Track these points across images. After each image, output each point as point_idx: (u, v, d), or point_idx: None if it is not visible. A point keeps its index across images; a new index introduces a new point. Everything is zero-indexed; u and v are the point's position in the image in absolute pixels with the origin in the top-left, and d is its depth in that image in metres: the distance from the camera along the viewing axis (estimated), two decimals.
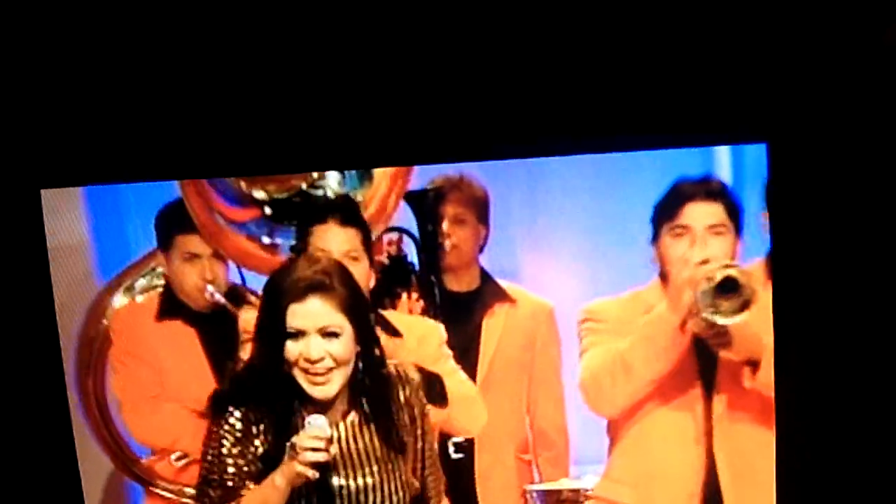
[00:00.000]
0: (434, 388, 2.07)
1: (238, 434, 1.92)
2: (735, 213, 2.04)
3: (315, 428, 1.89)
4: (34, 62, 2.07)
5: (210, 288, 2.15)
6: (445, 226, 2.12)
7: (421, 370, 2.04)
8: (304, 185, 2.11)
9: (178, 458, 2.19)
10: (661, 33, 1.99)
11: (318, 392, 1.91)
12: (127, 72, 2.07)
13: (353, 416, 1.95)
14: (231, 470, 1.91)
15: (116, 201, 2.15)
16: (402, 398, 1.97)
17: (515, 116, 2.03)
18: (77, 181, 2.12)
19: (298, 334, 1.89)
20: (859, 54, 1.96)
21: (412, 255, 2.14)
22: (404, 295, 2.12)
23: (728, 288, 2.01)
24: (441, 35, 2.02)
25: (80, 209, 2.14)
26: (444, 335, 2.12)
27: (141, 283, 2.21)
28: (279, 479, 1.89)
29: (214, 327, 2.16)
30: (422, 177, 2.11)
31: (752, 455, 2.08)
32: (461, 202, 2.11)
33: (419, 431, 1.98)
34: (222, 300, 2.15)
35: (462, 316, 2.14)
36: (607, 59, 2.01)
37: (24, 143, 2.10)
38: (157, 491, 2.22)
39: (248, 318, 2.11)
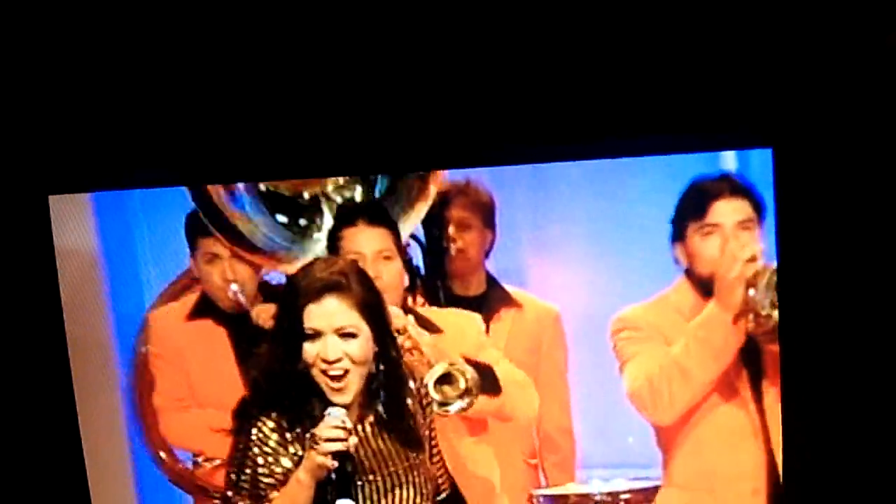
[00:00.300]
0: (487, 379, 2.08)
1: (272, 442, 1.93)
2: (759, 207, 2.04)
3: (334, 418, 1.90)
4: (42, 68, 2.08)
5: (234, 287, 2.16)
6: (451, 230, 2.12)
7: (469, 361, 2.07)
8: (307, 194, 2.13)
9: (206, 461, 2.20)
10: (666, 39, 1.99)
11: (336, 398, 1.92)
12: (135, 78, 2.08)
13: (371, 418, 1.96)
14: (267, 480, 1.93)
15: (124, 207, 2.16)
16: (412, 389, 1.99)
17: (520, 122, 2.03)
18: (85, 187, 2.12)
19: (315, 335, 1.90)
20: (864, 58, 1.95)
21: (417, 260, 2.14)
22: (409, 299, 2.12)
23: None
24: (447, 41, 2.02)
25: (88, 215, 2.15)
26: (482, 325, 2.13)
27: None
28: (302, 475, 1.90)
29: (243, 327, 2.16)
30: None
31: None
32: (467, 207, 2.11)
33: (428, 420, 2.00)
34: (243, 300, 2.16)
35: None
36: (613, 64, 2.01)
37: (32, 149, 2.10)
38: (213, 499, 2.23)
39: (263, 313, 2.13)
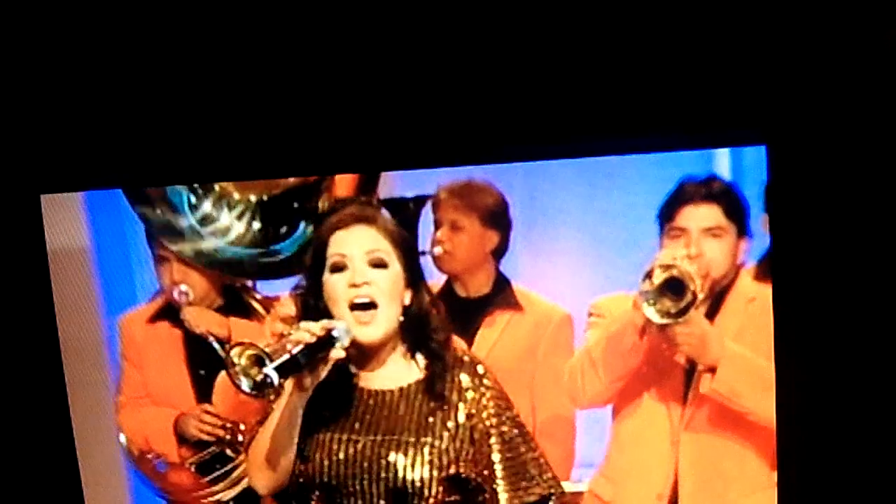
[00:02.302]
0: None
1: None
2: (737, 215, 2.01)
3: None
4: (34, 66, 2.07)
5: (183, 287, 2.15)
6: (440, 233, 2.09)
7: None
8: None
9: (155, 458, 2.21)
10: (660, 36, 1.97)
11: (363, 334, 1.86)
12: (128, 76, 2.06)
13: (406, 357, 1.92)
14: None
15: (117, 206, 2.14)
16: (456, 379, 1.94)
17: (513, 120, 2.02)
18: (77, 186, 2.11)
19: (342, 266, 1.87)
20: (860, 56, 1.94)
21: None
22: None
23: (672, 288, 1.98)
24: (440, 38, 2.01)
25: (81, 214, 2.14)
26: None
27: None
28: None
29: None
30: (431, 182, 2.10)
31: (712, 464, 2.07)
32: (459, 208, 2.08)
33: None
34: (184, 301, 2.16)
35: (462, 322, 2.11)
36: (605, 62, 1.99)
37: (24, 148, 2.10)
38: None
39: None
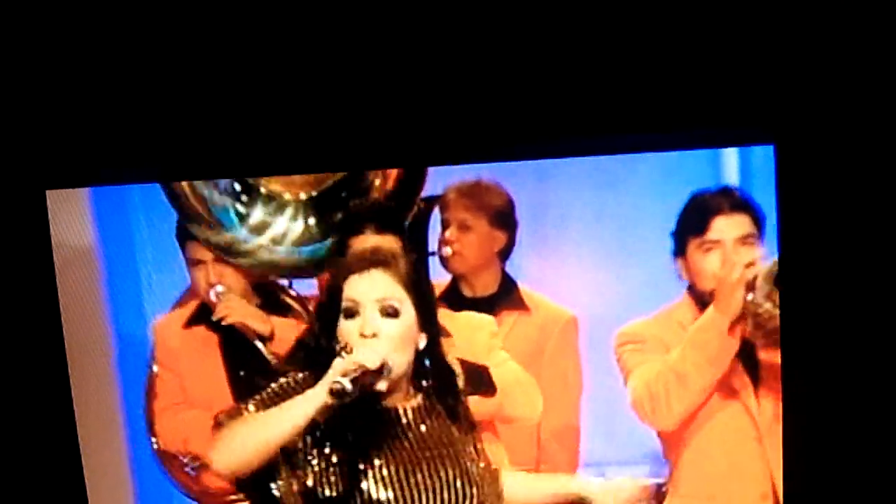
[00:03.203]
0: (480, 379, 2.04)
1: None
2: (759, 222, 2.02)
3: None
4: (39, 62, 2.06)
5: (219, 288, 2.14)
6: (448, 233, 2.09)
7: (463, 363, 2.01)
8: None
9: (191, 461, 2.19)
10: (667, 35, 1.97)
11: (361, 355, 1.82)
12: (134, 72, 2.06)
13: (418, 399, 1.91)
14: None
15: (123, 202, 2.14)
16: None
17: (520, 119, 2.01)
18: (83, 182, 2.11)
19: (355, 311, 1.85)
20: (869, 55, 1.93)
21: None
22: None
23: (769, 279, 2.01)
24: (447, 36, 2.00)
25: (87, 210, 2.13)
26: (495, 328, 2.10)
27: None
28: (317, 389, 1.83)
29: (233, 331, 2.16)
30: (438, 181, 2.09)
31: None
32: (468, 208, 2.08)
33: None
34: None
35: None
36: (612, 60, 1.99)
37: (30, 143, 2.09)
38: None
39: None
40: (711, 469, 2.09)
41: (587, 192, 2.06)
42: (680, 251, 2.05)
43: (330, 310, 1.88)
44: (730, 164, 2.06)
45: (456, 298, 2.11)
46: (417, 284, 1.89)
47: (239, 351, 2.15)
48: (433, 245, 2.11)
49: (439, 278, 2.10)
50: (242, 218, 2.12)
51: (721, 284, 2.03)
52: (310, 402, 1.83)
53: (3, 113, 2.08)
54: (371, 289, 1.85)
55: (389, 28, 2.01)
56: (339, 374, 1.79)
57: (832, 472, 2.06)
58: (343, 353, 1.82)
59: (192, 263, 2.15)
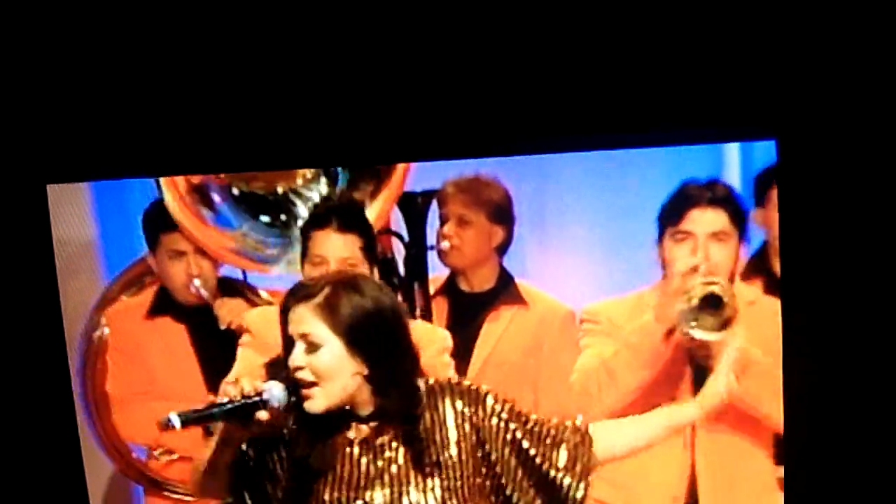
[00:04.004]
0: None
1: None
2: (740, 219, 2.02)
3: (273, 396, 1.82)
4: (40, 57, 2.07)
5: (196, 282, 2.16)
6: (447, 228, 2.10)
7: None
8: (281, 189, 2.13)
9: (163, 454, 2.21)
10: (669, 30, 1.97)
11: (308, 405, 1.82)
12: (133, 67, 2.06)
13: (382, 438, 1.87)
14: None
15: (123, 196, 2.15)
16: (441, 411, 1.88)
17: (521, 114, 2.01)
18: (83, 177, 2.11)
19: (291, 346, 1.84)
20: (870, 52, 1.93)
21: (399, 262, 2.13)
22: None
23: (711, 304, 1.99)
24: (446, 32, 2.00)
25: (87, 205, 2.14)
26: (449, 343, 2.08)
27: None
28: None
29: (203, 323, 2.17)
30: (435, 176, 2.10)
31: (730, 465, 2.07)
32: (467, 203, 2.08)
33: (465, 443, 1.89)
34: (206, 295, 2.16)
35: (466, 317, 2.12)
36: (615, 56, 1.99)
37: (31, 138, 2.09)
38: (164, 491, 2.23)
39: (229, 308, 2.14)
40: (635, 461, 2.04)
41: (587, 187, 2.07)
42: (660, 238, 2.05)
43: (285, 347, 1.87)
44: (730, 161, 2.06)
45: (454, 293, 2.12)
46: (341, 316, 1.82)
47: (210, 340, 2.16)
48: (431, 239, 2.12)
49: (437, 273, 2.11)
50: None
51: (662, 290, 2.03)
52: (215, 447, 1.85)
53: (3, 109, 2.09)
54: (297, 323, 1.83)
55: (387, 24, 2.01)
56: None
57: (832, 475, 2.07)
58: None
59: (171, 255, 2.16)
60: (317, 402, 1.82)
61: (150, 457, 2.22)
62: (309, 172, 2.12)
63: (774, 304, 2.02)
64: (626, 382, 2.06)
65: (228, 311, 2.17)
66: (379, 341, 1.83)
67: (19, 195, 2.10)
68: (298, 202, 2.14)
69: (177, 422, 1.78)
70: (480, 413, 1.87)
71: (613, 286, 2.09)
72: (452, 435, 1.86)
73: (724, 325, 1.99)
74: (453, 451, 1.86)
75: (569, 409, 2.03)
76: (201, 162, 2.11)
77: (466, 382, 1.91)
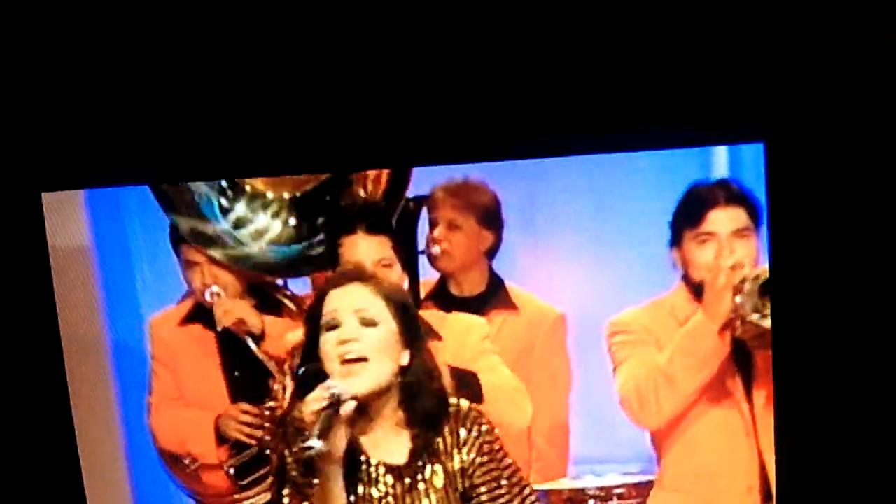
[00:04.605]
0: (469, 386, 2.04)
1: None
2: (756, 214, 2.03)
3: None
4: (35, 65, 2.07)
5: (214, 288, 2.16)
6: (437, 232, 2.10)
7: (452, 369, 2.01)
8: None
9: (191, 461, 2.21)
10: (657, 33, 1.97)
11: (352, 385, 1.82)
12: (128, 74, 2.06)
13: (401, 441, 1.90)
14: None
15: (118, 204, 2.16)
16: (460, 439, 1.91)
17: (511, 118, 2.02)
18: (78, 184, 2.12)
19: (336, 325, 1.85)
20: (858, 53, 1.93)
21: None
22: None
23: (765, 291, 2.01)
24: (440, 35, 2.00)
25: (82, 212, 2.15)
26: (486, 329, 2.10)
27: None
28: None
29: (230, 331, 2.18)
30: (425, 181, 2.10)
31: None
32: (457, 207, 2.09)
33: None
34: (217, 302, 2.17)
35: None
36: (603, 59, 1.99)
37: (25, 146, 2.09)
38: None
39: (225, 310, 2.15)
40: (698, 463, 2.10)
41: (576, 191, 2.07)
42: (676, 241, 2.06)
43: (312, 327, 1.89)
44: (720, 163, 2.07)
45: (444, 297, 2.13)
46: (398, 297, 1.89)
47: (235, 351, 2.18)
48: (421, 244, 2.12)
49: (428, 277, 2.12)
50: (226, 213, 2.15)
51: (709, 289, 2.04)
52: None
53: None
54: (349, 300, 1.86)
55: (378, 29, 2.01)
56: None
57: (824, 468, 2.07)
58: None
59: (187, 265, 2.18)
60: (362, 379, 1.84)
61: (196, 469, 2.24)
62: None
63: None
64: (686, 386, 2.06)
65: (225, 313, 2.17)
66: (421, 332, 1.88)
67: (14, 203, 2.10)
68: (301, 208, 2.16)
69: (317, 444, 1.82)
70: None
71: (603, 289, 2.09)
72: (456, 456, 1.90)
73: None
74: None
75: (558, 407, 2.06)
76: (196, 169, 2.11)
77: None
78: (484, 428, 1.92)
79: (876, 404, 2.04)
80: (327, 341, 1.86)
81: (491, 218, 2.09)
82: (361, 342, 1.84)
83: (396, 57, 2.02)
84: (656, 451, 2.12)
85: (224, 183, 2.14)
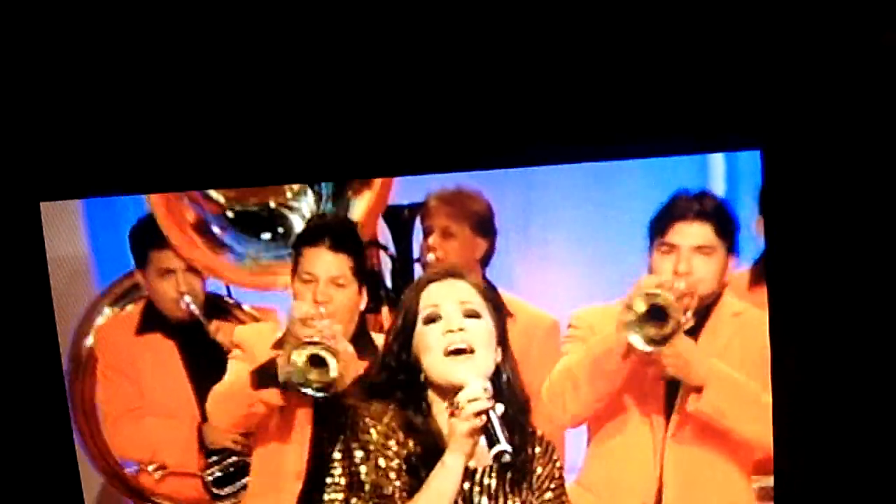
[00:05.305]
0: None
1: (391, 443, 1.80)
2: (727, 232, 2.02)
3: (473, 386, 1.76)
4: (33, 74, 2.08)
5: (187, 298, 2.17)
6: (431, 240, 2.11)
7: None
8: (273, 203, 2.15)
9: (156, 469, 2.21)
10: (654, 41, 1.98)
11: (464, 370, 1.77)
12: (126, 84, 2.08)
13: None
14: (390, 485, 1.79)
15: (115, 213, 2.16)
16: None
17: (506, 126, 2.03)
18: (76, 194, 2.13)
19: (437, 318, 1.82)
20: (854, 59, 1.94)
21: (386, 276, 2.14)
22: (384, 309, 2.12)
23: (655, 315, 1.98)
24: (434, 44, 2.02)
25: (80, 222, 2.16)
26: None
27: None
28: (449, 458, 1.75)
29: (193, 339, 2.18)
30: (420, 189, 2.11)
31: (695, 476, 2.07)
32: (451, 215, 2.10)
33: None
34: (197, 311, 2.18)
35: None
36: (601, 67, 2.00)
37: (24, 155, 2.11)
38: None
39: (223, 328, 2.15)
40: (610, 468, 2.10)
41: (572, 199, 2.08)
42: (649, 249, 2.06)
43: (407, 321, 1.86)
44: (717, 172, 2.07)
45: None
46: (493, 295, 1.88)
47: (200, 356, 2.17)
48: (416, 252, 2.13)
49: None
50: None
51: (624, 305, 2.02)
52: (451, 479, 1.78)
53: None
54: (451, 293, 1.84)
55: (374, 39, 2.03)
56: (465, 435, 1.74)
57: (822, 479, 2.07)
58: (455, 413, 1.76)
59: (161, 272, 2.17)
60: (477, 366, 1.79)
61: (141, 471, 2.22)
62: (296, 186, 2.14)
63: (761, 316, 2.02)
64: (585, 392, 2.05)
65: (223, 335, 2.19)
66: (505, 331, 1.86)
67: (13, 212, 2.11)
68: (290, 216, 2.16)
69: (508, 447, 1.73)
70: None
71: (598, 297, 2.09)
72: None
73: (668, 337, 1.98)
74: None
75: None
76: (192, 178, 2.12)
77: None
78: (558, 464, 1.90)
79: (875, 407, 2.05)
80: (428, 333, 1.82)
81: (484, 226, 2.10)
82: (467, 332, 1.80)
83: (391, 66, 2.03)
84: (585, 449, 2.13)
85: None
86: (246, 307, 2.21)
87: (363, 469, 1.78)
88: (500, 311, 1.87)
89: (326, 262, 2.06)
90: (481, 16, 2.00)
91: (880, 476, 2.07)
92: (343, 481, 1.79)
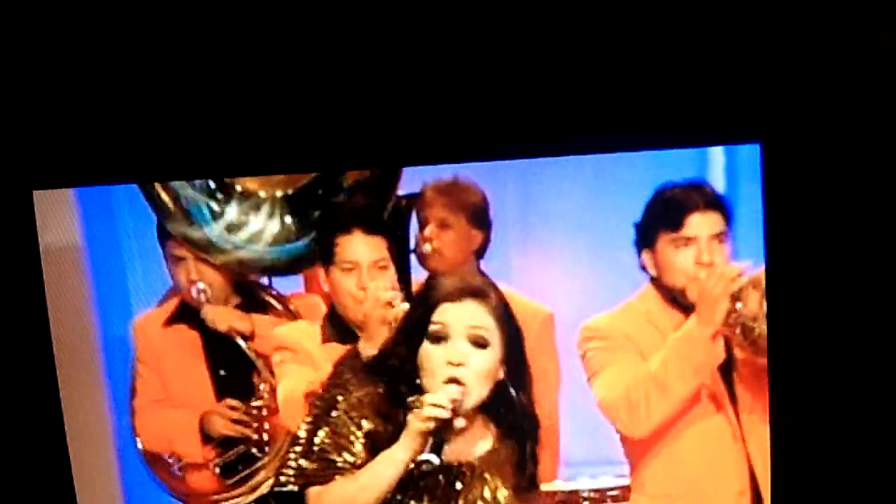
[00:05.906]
0: None
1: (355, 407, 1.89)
2: (728, 218, 2.02)
3: (447, 393, 1.85)
4: (27, 63, 2.07)
5: (200, 285, 2.16)
6: (428, 230, 2.09)
7: None
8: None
9: (174, 462, 2.21)
10: (653, 34, 1.97)
11: (437, 411, 1.85)
12: (120, 72, 2.07)
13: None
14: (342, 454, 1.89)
15: (109, 203, 2.15)
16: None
17: (505, 117, 2.01)
18: (69, 183, 2.11)
19: (443, 336, 1.86)
20: (853, 54, 1.93)
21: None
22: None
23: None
24: (431, 35, 2.00)
25: (73, 211, 2.14)
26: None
27: None
28: (396, 450, 1.86)
29: (216, 330, 2.18)
30: (417, 180, 2.09)
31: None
32: (448, 206, 2.08)
33: None
34: (204, 300, 2.16)
35: None
36: (599, 59, 1.99)
37: (17, 144, 2.10)
38: None
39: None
40: (687, 468, 2.09)
41: (569, 191, 2.06)
42: (647, 244, 2.04)
43: (414, 332, 1.89)
44: (715, 165, 2.06)
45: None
46: (507, 318, 1.90)
47: (220, 350, 2.16)
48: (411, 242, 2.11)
49: (416, 276, 2.11)
50: (217, 216, 2.14)
51: (703, 295, 2.02)
52: (391, 469, 1.87)
53: None
54: (464, 316, 1.87)
55: (371, 30, 2.02)
56: (416, 433, 1.84)
57: (818, 471, 2.06)
58: (415, 405, 1.84)
59: (173, 261, 2.16)
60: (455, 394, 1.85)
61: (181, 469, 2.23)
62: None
63: None
64: (677, 392, 2.05)
65: (214, 321, 2.17)
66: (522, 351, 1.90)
67: (5, 201, 2.11)
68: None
69: (436, 460, 1.84)
70: None
71: (595, 290, 2.08)
72: None
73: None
74: None
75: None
76: (187, 167, 2.11)
77: None
78: None
79: (872, 408, 2.04)
80: (431, 355, 1.88)
81: (480, 217, 2.08)
82: (467, 367, 1.86)
83: (388, 57, 2.02)
84: (630, 458, 2.11)
85: (213, 184, 2.13)
86: (288, 301, 2.20)
87: (320, 433, 1.86)
88: (514, 333, 1.90)
89: (366, 247, 2.07)
90: (479, 8, 1.99)
91: (880, 476, 2.06)
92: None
